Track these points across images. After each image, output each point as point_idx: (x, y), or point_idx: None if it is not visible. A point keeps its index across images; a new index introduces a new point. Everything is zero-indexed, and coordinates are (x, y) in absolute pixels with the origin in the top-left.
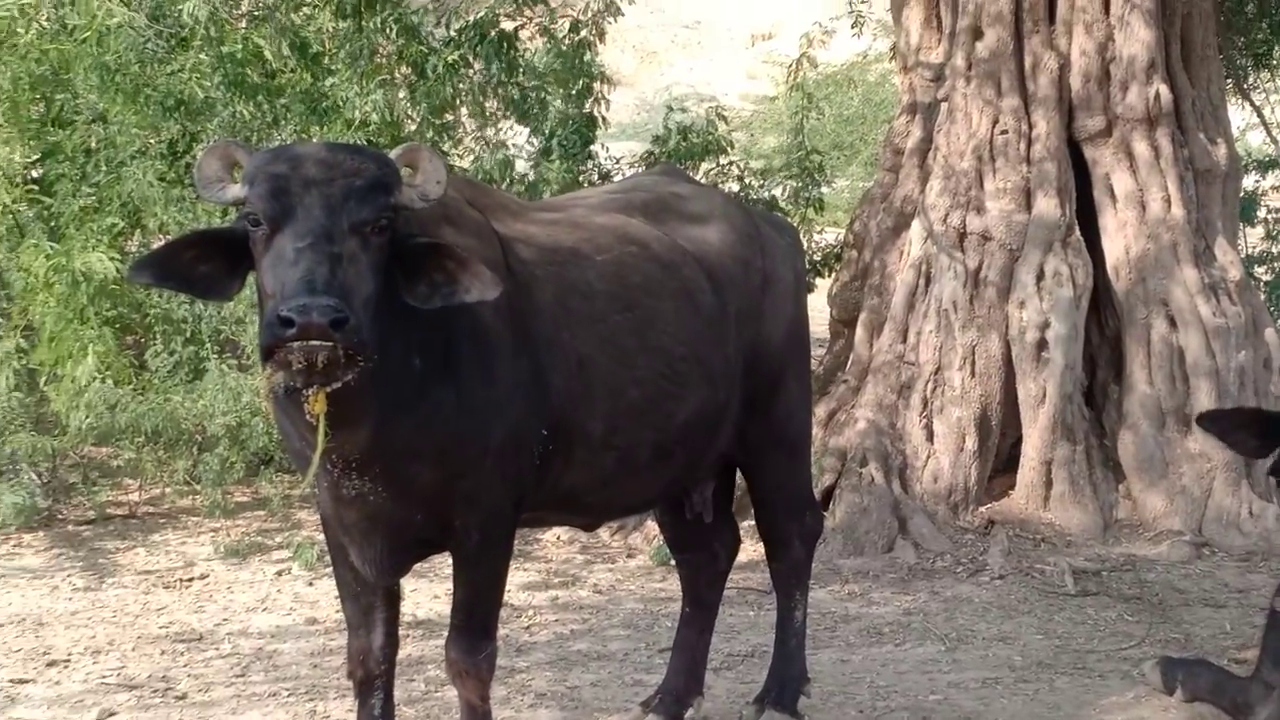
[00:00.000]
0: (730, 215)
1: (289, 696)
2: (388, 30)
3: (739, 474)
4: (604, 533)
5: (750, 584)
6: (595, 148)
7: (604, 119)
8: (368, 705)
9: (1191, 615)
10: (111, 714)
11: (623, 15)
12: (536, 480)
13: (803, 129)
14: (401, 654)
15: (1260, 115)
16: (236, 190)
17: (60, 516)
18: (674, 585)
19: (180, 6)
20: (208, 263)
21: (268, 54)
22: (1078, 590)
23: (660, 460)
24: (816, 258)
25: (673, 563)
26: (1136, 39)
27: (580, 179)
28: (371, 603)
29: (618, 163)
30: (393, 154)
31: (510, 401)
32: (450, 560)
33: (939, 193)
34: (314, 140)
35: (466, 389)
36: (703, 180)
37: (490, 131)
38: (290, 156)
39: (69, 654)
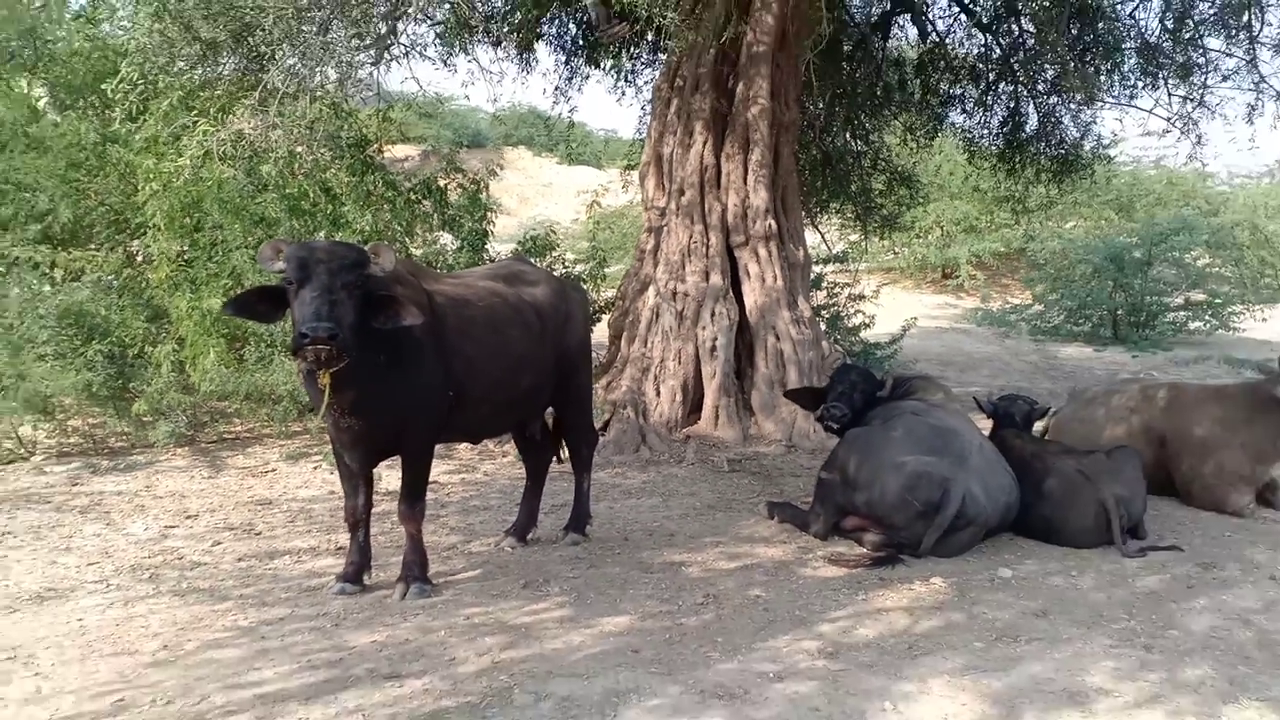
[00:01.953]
0: (550, 282)
1: (320, 532)
2: (377, 182)
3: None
4: (490, 444)
5: (565, 470)
6: (488, 246)
7: (492, 232)
8: (356, 537)
9: (785, 482)
10: (218, 544)
11: (500, 178)
12: (446, 420)
13: (595, 238)
14: (376, 510)
15: (821, 235)
16: (280, 265)
17: (197, 439)
18: (523, 471)
19: (263, 168)
20: (264, 304)
21: (310, 194)
22: (730, 470)
23: (511, 409)
24: (601, 304)
25: (522, 460)
26: (759, 196)
27: (477, 262)
28: (357, 482)
29: (498, 254)
30: (367, 247)
31: (433, 379)
32: (400, 460)
33: (663, 271)
34: (326, 239)
35: (409, 373)
36: (541, 263)
37: (431, 236)
38: (310, 246)
39: (198, 511)
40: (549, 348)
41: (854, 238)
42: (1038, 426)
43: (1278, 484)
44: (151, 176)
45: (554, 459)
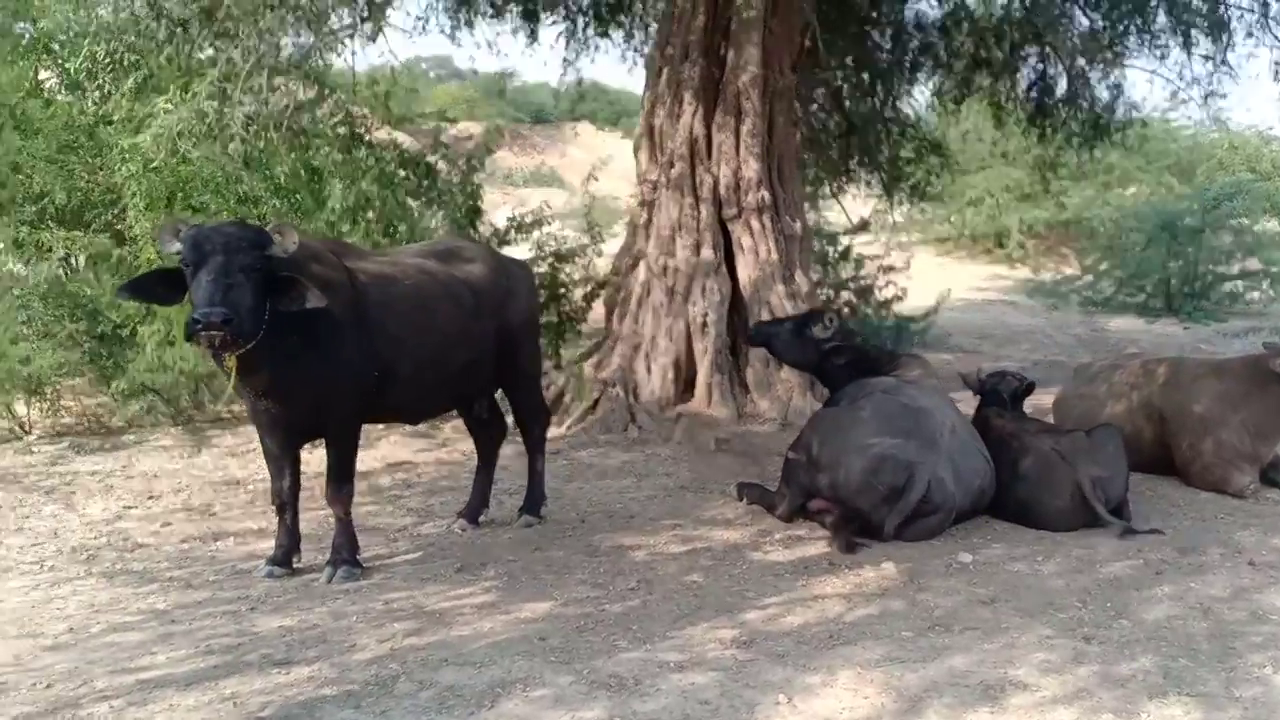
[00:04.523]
0: (486, 259)
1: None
2: (367, 160)
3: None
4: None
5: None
6: (480, 224)
7: (483, 209)
8: (284, 520)
9: (770, 462)
10: (168, 525)
11: (563, 154)
12: (373, 400)
13: (591, 213)
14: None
15: (841, 206)
16: (177, 246)
17: (193, 419)
18: (511, 450)
19: (229, 147)
20: (163, 286)
21: (296, 172)
22: (716, 449)
23: (445, 388)
24: (598, 281)
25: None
26: (751, 167)
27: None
28: (282, 464)
29: (496, 230)
30: (269, 227)
31: (353, 358)
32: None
33: (654, 247)
34: (225, 219)
35: (326, 353)
36: (528, 241)
37: (421, 213)
38: (207, 228)
39: (162, 492)
40: (486, 325)
41: (880, 208)
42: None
43: None
44: (127, 156)
45: (500, 439)
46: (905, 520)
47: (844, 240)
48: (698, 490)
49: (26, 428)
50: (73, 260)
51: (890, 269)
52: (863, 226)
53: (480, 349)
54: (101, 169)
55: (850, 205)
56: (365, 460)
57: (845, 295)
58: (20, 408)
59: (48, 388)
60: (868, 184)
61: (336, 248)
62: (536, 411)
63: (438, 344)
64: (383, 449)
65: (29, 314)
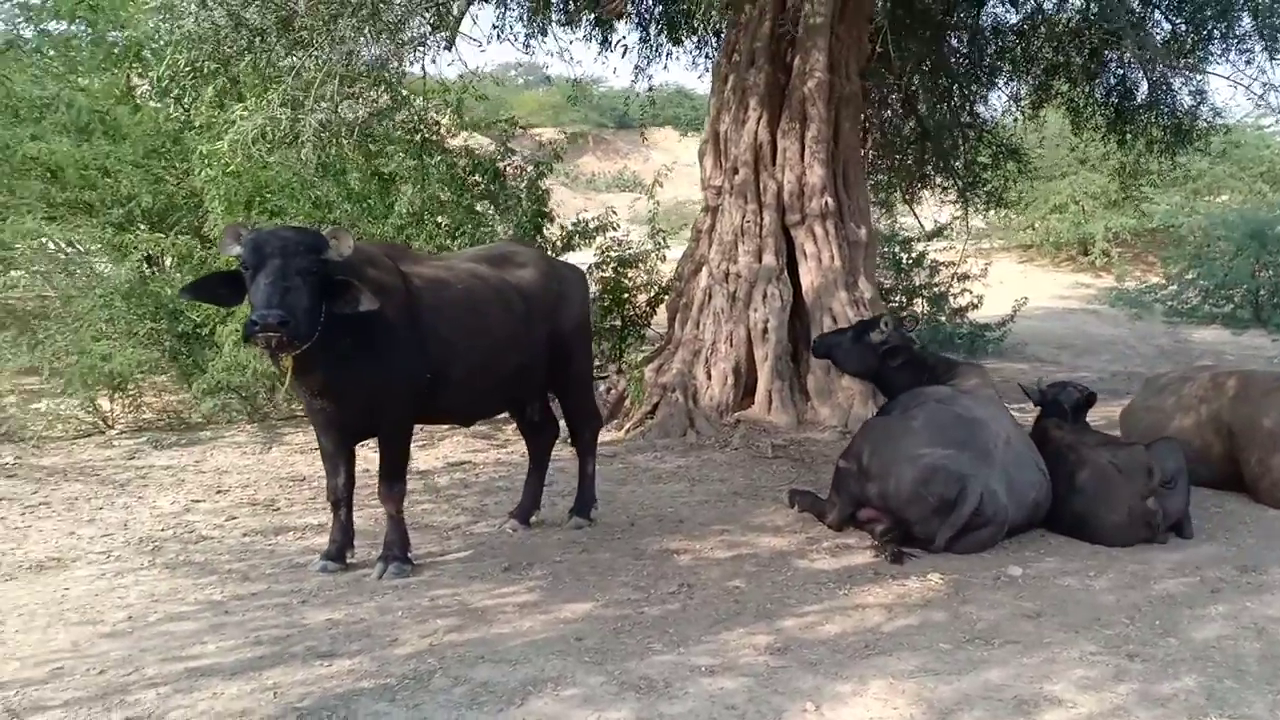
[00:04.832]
0: (539, 264)
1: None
2: (439, 166)
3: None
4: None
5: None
6: (547, 230)
7: (551, 216)
8: (338, 516)
9: (826, 470)
10: (233, 519)
11: (645, 158)
12: (425, 401)
13: (655, 219)
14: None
15: (914, 213)
16: (237, 249)
17: (269, 417)
18: (565, 454)
19: (302, 153)
20: (225, 288)
21: (367, 178)
22: (773, 456)
23: (497, 391)
24: (661, 287)
25: (525, 442)
26: (815, 173)
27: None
28: (336, 461)
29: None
30: (325, 232)
31: (406, 361)
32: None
33: (716, 252)
34: (281, 224)
35: (380, 355)
36: (590, 248)
37: (487, 219)
38: (266, 232)
39: (230, 487)
40: (538, 329)
41: (957, 214)
42: None
43: None
44: (208, 161)
45: (553, 441)
46: (956, 533)
47: (918, 246)
48: (750, 497)
49: (110, 422)
50: (158, 260)
51: (965, 276)
52: (938, 233)
53: (531, 353)
54: (186, 174)
55: (927, 212)
56: (424, 459)
57: (918, 302)
58: (105, 403)
59: (130, 384)
60: (943, 190)
61: (391, 252)
62: (587, 416)
63: (489, 348)
64: (444, 448)
65: (111, 312)
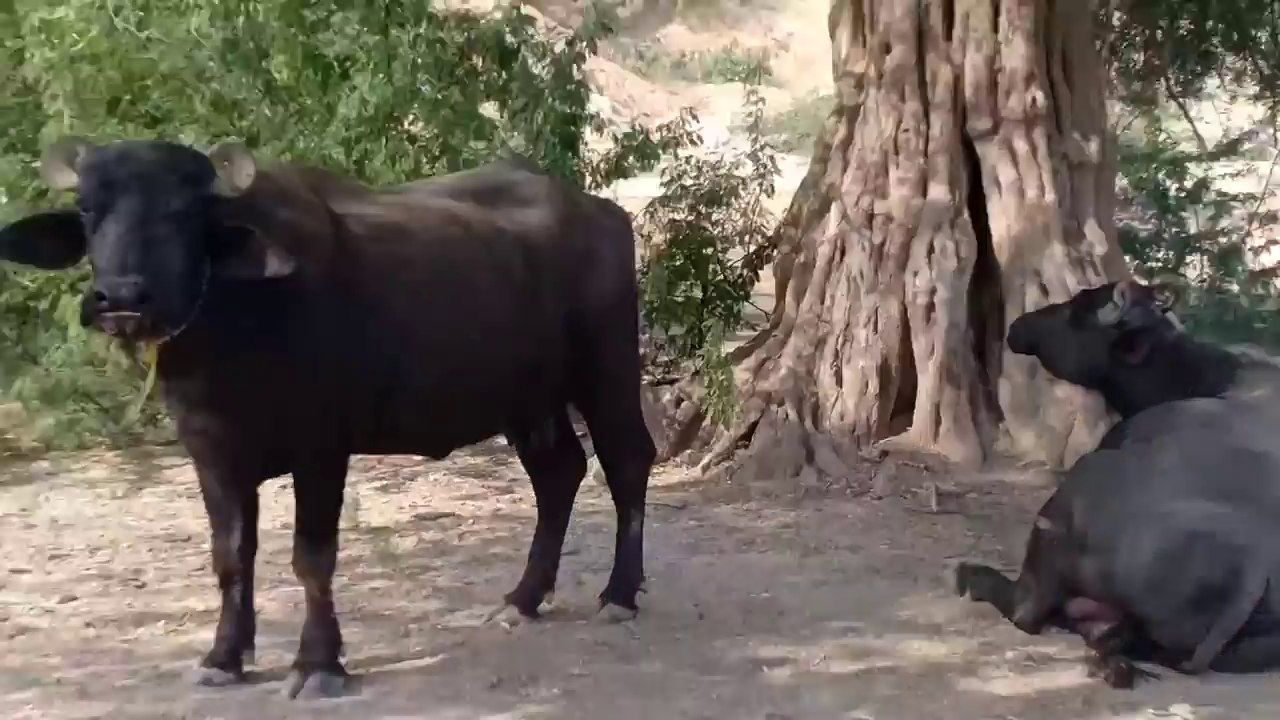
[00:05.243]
0: (554, 200)
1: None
2: (418, 43)
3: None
4: None
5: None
6: (585, 146)
7: (589, 120)
8: (230, 597)
9: (1023, 533)
10: (71, 599)
11: (612, 32)
12: (371, 421)
13: (757, 127)
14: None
15: (1187, 116)
16: (72, 180)
17: (143, 439)
18: (604, 502)
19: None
20: (52, 239)
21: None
22: (939, 509)
23: (482, 403)
24: (768, 236)
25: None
26: (1017, 54)
27: (567, 171)
28: (229, 513)
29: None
30: (210, 151)
31: (335, 356)
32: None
33: (853, 181)
34: (143, 139)
35: (292, 345)
36: (668, 172)
37: (491, 128)
38: (117, 153)
39: (72, 550)
40: (552, 306)
41: (1259, 117)
42: None
43: None
44: (45, 37)
45: (576, 481)
46: (1228, 641)
47: (1193, 171)
48: (897, 575)
49: None
50: None
51: (1274, 218)
52: (1230, 149)
53: (541, 345)
54: (16, 57)
55: (1210, 115)
56: (381, 510)
57: (1192, 262)
58: None
59: None
60: (1238, 78)
61: (319, 182)
62: (632, 444)
63: (473, 337)
64: (413, 492)
65: None
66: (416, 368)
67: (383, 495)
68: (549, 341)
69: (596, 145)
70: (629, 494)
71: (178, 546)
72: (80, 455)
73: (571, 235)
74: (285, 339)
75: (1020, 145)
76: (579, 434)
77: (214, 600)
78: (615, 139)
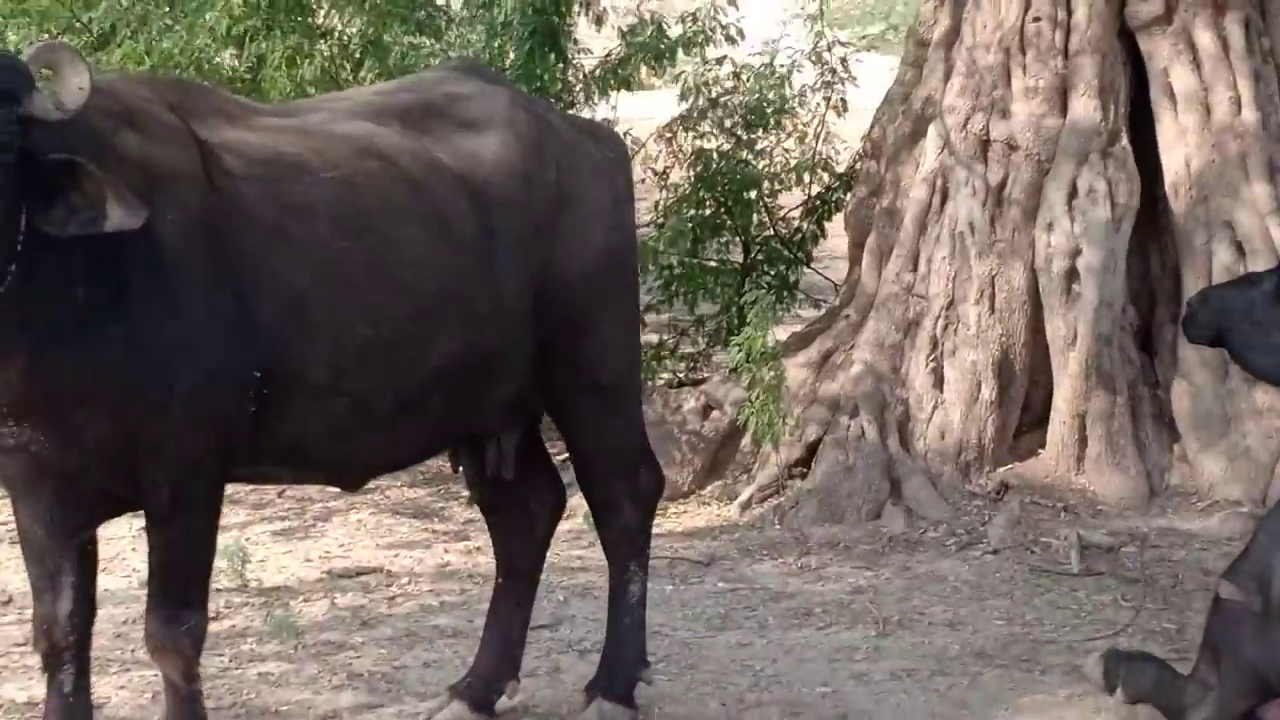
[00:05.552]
0: (516, 122)
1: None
2: None
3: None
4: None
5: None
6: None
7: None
8: (55, 682)
9: (1202, 601)
10: None
11: None
12: (251, 430)
13: (822, 13)
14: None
15: None
16: None
17: None
18: (595, 554)
19: None
20: None
21: None
22: (1081, 569)
23: (411, 411)
24: (840, 169)
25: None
26: None
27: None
28: (58, 565)
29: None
30: (27, 55)
31: (203, 338)
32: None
33: (959, 92)
34: None
35: (143, 323)
36: (691, 80)
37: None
38: None
39: None
40: (513, 272)
41: None
42: None
43: None
44: None
45: (552, 524)
46: None
47: None
48: (1017, 664)
49: None
50: None
51: None
52: None
53: (497, 327)
54: None
55: None
56: (282, 563)
57: None
58: None
59: None
60: None
61: (181, 98)
62: (627, 465)
63: (394, 316)
64: (325, 539)
65: None
66: (315, 357)
67: (282, 543)
68: (509, 322)
69: (591, 42)
70: (627, 543)
71: None
72: None
73: (542, 172)
74: (132, 316)
75: (1205, 40)
76: (557, 458)
77: (38, 688)
78: (620, 34)
